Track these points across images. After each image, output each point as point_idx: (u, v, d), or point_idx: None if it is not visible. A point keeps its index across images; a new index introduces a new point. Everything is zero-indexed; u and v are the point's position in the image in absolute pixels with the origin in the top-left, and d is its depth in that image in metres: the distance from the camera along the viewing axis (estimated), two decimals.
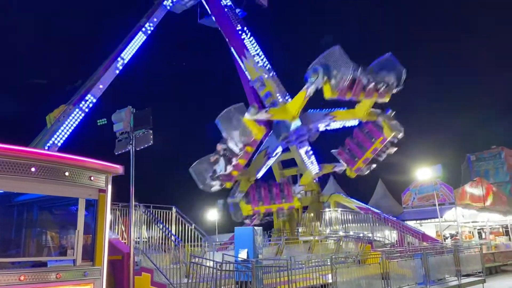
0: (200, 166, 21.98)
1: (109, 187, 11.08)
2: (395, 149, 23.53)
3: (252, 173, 22.74)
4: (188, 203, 37.27)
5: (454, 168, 43.55)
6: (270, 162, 23.18)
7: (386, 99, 21.75)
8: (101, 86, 22.46)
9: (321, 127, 23.12)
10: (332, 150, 24.67)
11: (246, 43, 27.06)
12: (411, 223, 28.56)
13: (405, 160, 36.14)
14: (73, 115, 20.73)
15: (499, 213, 32.52)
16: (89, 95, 21.78)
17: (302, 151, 24.26)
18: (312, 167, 25.09)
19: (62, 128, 20.07)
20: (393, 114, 22.84)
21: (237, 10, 32.21)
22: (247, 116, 19.73)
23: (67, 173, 9.86)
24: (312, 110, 23.02)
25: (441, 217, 27.08)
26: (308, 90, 20.22)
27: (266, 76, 24.54)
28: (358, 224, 25.58)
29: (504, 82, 62.56)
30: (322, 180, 33.02)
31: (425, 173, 29.29)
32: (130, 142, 14.16)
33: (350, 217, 25.98)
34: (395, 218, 27.20)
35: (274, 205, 23.27)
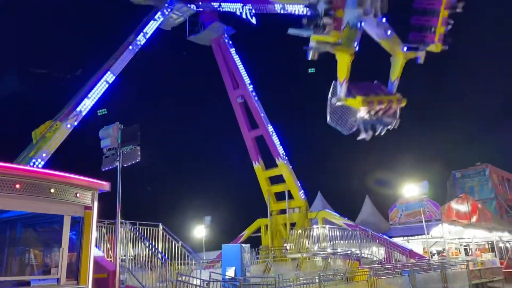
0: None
1: (95, 204, 10.97)
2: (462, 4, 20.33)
3: (348, 45, 18.97)
4: (175, 219, 36.98)
5: (440, 185, 44.03)
6: (359, 34, 20.32)
7: None
8: (89, 101, 22.35)
9: None
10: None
11: None
12: (398, 240, 28.63)
13: (391, 177, 36.43)
14: (59, 131, 20.55)
15: (484, 229, 32.79)
16: (76, 110, 21.64)
17: (379, 25, 20.88)
18: (399, 45, 21.04)
19: (48, 144, 19.86)
20: None
21: (226, 28, 32.61)
22: None
23: (52, 190, 9.76)
24: None
25: (428, 233, 27.20)
26: None
27: None
28: (346, 241, 25.59)
29: (488, 100, 63.76)
30: (310, 197, 33.14)
31: (411, 190, 29.47)
32: (117, 159, 14.08)
33: (338, 234, 25.99)
34: (382, 235, 27.25)
35: (384, 96, 19.99)
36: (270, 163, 31.97)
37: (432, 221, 28.74)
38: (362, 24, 19.33)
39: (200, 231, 34.64)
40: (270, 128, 31.67)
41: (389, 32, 20.29)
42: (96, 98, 22.94)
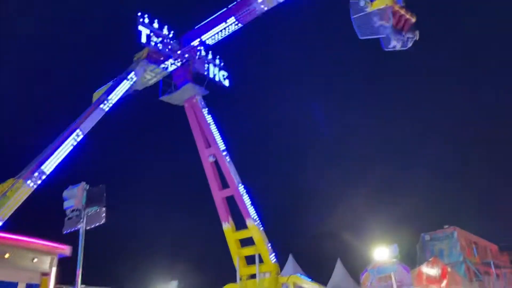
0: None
1: (54, 269, 10.32)
2: None
3: None
4: (139, 283, 35.16)
5: (410, 248, 44.01)
6: None
7: None
8: (54, 160, 21.72)
9: None
10: None
11: None
12: None
13: (362, 240, 36.27)
14: (21, 190, 19.67)
15: None
16: (40, 169, 20.93)
17: None
18: None
19: (7, 204, 18.88)
20: None
21: (199, 88, 33.13)
22: None
23: (7, 255, 9.15)
24: None
25: None
26: None
27: None
28: None
29: (455, 161, 65.90)
30: (281, 260, 32.39)
31: (382, 253, 29.27)
32: (81, 221, 13.49)
33: None
34: None
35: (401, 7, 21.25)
36: (240, 224, 31.38)
37: (403, 286, 28.35)
38: None
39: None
40: (241, 188, 31.40)
41: None
42: (62, 157, 22.35)
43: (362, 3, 20.73)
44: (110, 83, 29.80)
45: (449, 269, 34.13)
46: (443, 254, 42.13)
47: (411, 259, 37.91)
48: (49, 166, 21.52)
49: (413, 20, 21.91)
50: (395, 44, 21.64)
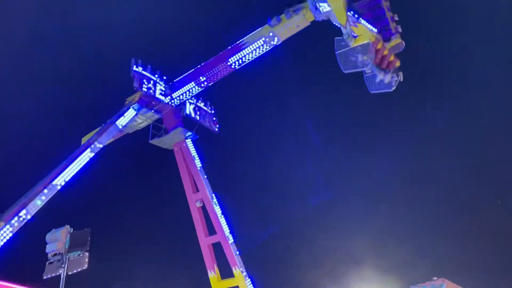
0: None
1: None
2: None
3: None
4: None
5: None
6: None
7: None
8: (39, 202, 21.23)
9: None
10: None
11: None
12: None
13: None
14: (1, 232, 19.08)
15: None
16: (23, 211, 20.40)
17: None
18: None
19: None
20: None
21: (189, 133, 33.29)
22: None
23: None
24: None
25: None
26: None
27: None
28: None
29: (444, 212, 65.84)
30: None
31: None
32: (63, 265, 13.08)
33: None
34: None
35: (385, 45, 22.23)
36: (226, 273, 30.60)
37: None
38: None
39: None
40: (229, 235, 30.90)
41: None
42: (45, 201, 21.91)
43: (345, 37, 21.58)
44: (98, 129, 29.86)
45: None
46: None
47: None
48: (32, 208, 21.00)
49: (397, 63, 23.09)
50: (381, 79, 22.64)
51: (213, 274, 30.51)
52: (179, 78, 32.01)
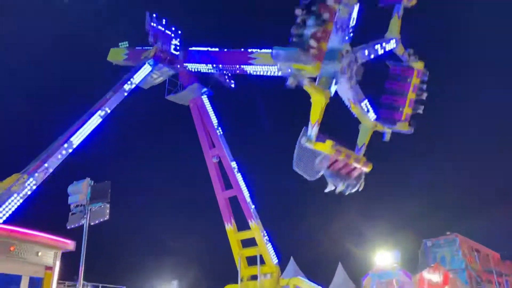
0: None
1: (57, 264, 10.36)
2: (426, 94, 22.41)
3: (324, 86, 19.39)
4: (140, 282, 35.20)
5: (411, 253, 43.83)
6: (334, 88, 20.31)
7: (414, 2, 22.12)
8: (59, 156, 21.80)
9: (365, 53, 21.08)
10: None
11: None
12: None
13: (364, 245, 36.20)
14: (26, 185, 19.76)
15: None
16: (45, 165, 21.01)
17: (353, 91, 21.19)
18: (369, 113, 21.67)
19: (12, 198, 18.97)
20: (412, 51, 22.43)
21: (204, 89, 33.22)
22: None
23: (12, 248, 9.19)
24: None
25: None
26: None
27: None
28: None
29: (458, 168, 65.59)
30: (282, 262, 32.36)
31: (384, 258, 29.22)
32: (85, 216, 13.55)
33: None
34: None
35: (352, 153, 20.12)
36: (242, 225, 31.39)
37: None
38: (337, 82, 19.87)
39: None
40: (245, 189, 31.42)
41: (361, 99, 21.21)
42: (65, 156, 22.44)
43: (304, 139, 18.84)
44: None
45: (451, 275, 34.01)
46: (445, 261, 41.92)
47: (412, 265, 37.76)
48: (53, 162, 21.58)
49: (366, 169, 20.68)
50: (332, 189, 19.99)
51: (230, 227, 31.32)
52: (196, 49, 31.32)
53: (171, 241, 46.82)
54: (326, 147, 18.58)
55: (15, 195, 19.02)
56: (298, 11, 17.83)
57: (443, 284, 31.69)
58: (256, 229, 30.23)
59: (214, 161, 32.78)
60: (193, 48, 31.33)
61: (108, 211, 13.76)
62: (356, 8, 19.95)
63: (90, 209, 13.61)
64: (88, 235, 13.60)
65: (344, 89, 20.64)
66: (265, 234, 30.60)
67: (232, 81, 34.70)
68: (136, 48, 31.69)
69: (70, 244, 10.44)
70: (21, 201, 19.19)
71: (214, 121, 33.05)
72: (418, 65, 21.97)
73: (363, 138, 21.64)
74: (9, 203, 18.74)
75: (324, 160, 18.94)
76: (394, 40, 22.26)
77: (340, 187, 20.00)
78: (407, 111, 21.84)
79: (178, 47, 31.46)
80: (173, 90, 33.19)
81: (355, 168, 20.14)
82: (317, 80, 18.99)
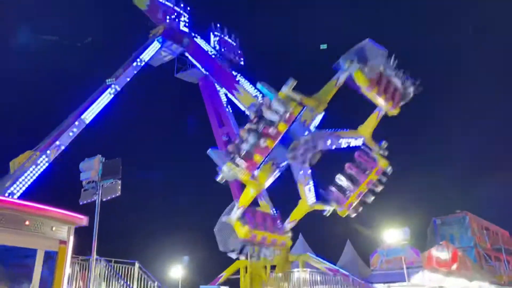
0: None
1: (71, 238, 10.55)
2: (382, 187, 22.52)
3: (261, 179, 20.19)
4: (151, 258, 35.84)
5: (420, 231, 44.00)
6: (278, 173, 21.13)
7: (396, 112, 21.65)
8: (70, 134, 22.02)
9: (327, 143, 21.37)
10: (321, 190, 22.64)
11: (237, 78, 27.90)
12: (379, 286, 28.19)
13: (373, 221, 36.33)
14: (38, 161, 20.08)
15: (464, 278, 32.61)
16: (57, 142, 21.27)
17: (302, 173, 21.66)
18: (309, 194, 22.15)
19: (25, 174, 19.33)
20: (386, 145, 22.28)
21: None
22: (283, 89, 17.97)
23: (27, 222, 9.36)
24: (316, 129, 21.63)
25: (409, 280, 26.95)
26: (339, 77, 20.10)
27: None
28: (327, 286, 25.06)
29: (469, 148, 65.15)
30: (291, 239, 32.57)
31: (393, 236, 29.40)
32: (97, 192, 13.74)
33: (318, 278, 25.47)
34: (363, 281, 26.82)
35: (270, 234, 20.68)
36: (252, 202, 31.56)
37: (413, 268, 28.51)
38: (286, 162, 20.80)
39: (177, 271, 33.65)
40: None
41: (307, 182, 21.65)
42: (76, 133, 22.67)
43: (224, 218, 19.36)
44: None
45: (459, 253, 34.15)
46: (454, 239, 42.09)
47: (421, 243, 37.98)
48: (65, 139, 21.83)
49: (281, 246, 21.38)
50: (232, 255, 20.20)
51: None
52: (199, 43, 31.50)
53: (183, 218, 47.48)
54: (242, 232, 18.94)
55: (28, 171, 19.40)
56: (242, 132, 17.62)
57: (452, 261, 31.86)
58: (265, 207, 30.44)
59: (223, 139, 32.83)
60: (198, 40, 31.52)
61: (119, 187, 13.92)
62: (320, 116, 20.70)
63: (102, 185, 13.75)
64: (100, 211, 13.81)
65: (295, 169, 21.29)
66: (274, 211, 30.82)
67: (241, 58, 34.53)
68: (158, 1, 30.67)
69: (83, 219, 10.60)
70: (34, 177, 19.56)
71: (223, 99, 32.99)
72: (382, 163, 21.86)
73: (296, 214, 22.22)
74: (23, 179, 19.11)
75: (239, 241, 19.32)
76: (362, 139, 22.21)
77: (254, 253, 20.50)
78: (352, 199, 21.94)
79: (187, 24, 31.22)
80: (183, 68, 33.10)
81: (272, 244, 20.75)
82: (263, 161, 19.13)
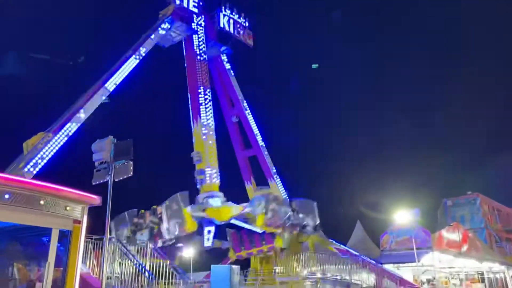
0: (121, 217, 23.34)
1: (85, 218, 10.73)
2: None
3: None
4: None
5: (431, 212, 43.96)
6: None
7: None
8: (82, 115, 22.13)
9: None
10: (228, 229, 27.16)
11: (201, 109, 28.05)
12: (388, 267, 28.34)
13: (384, 202, 36.35)
14: (51, 142, 20.26)
15: (475, 259, 32.64)
16: (69, 124, 21.40)
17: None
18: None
19: (39, 155, 19.55)
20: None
21: (223, 48, 32.87)
22: (188, 209, 22.34)
23: (42, 202, 9.52)
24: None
25: (419, 261, 27.02)
26: (245, 209, 24.35)
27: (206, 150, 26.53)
28: (336, 266, 25.24)
29: (480, 130, 64.48)
30: None
31: (403, 217, 29.38)
32: (109, 173, 13.84)
33: (328, 258, 25.64)
34: (373, 261, 26.97)
35: (255, 248, 25.55)
36: (262, 183, 31.74)
37: (423, 249, 28.55)
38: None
39: (188, 251, 34.06)
40: (264, 149, 31.59)
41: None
42: (91, 111, 22.78)
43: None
44: None
45: (470, 234, 34.10)
46: (465, 220, 42.03)
47: (432, 224, 37.94)
48: (78, 121, 21.96)
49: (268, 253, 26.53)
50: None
51: (249, 185, 31.75)
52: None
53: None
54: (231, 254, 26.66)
55: (42, 152, 19.64)
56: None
57: (462, 242, 31.85)
58: (275, 188, 30.60)
59: (233, 120, 32.87)
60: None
61: (131, 168, 13.98)
62: None
63: (114, 166, 13.84)
64: (113, 191, 13.93)
65: None
66: (285, 192, 30.99)
67: (251, 38, 34.25)
68: None
69: (96, 199, 10.74)
70: (47, 158, 19.80)
71: (233, 80, 32.87)
72: (278, 243, 25.96)
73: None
74: (37, 160, 19.37)
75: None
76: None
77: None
78: (242, 253, 26.76)
79: (196, 4, 30.90)
80: None
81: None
82: None
